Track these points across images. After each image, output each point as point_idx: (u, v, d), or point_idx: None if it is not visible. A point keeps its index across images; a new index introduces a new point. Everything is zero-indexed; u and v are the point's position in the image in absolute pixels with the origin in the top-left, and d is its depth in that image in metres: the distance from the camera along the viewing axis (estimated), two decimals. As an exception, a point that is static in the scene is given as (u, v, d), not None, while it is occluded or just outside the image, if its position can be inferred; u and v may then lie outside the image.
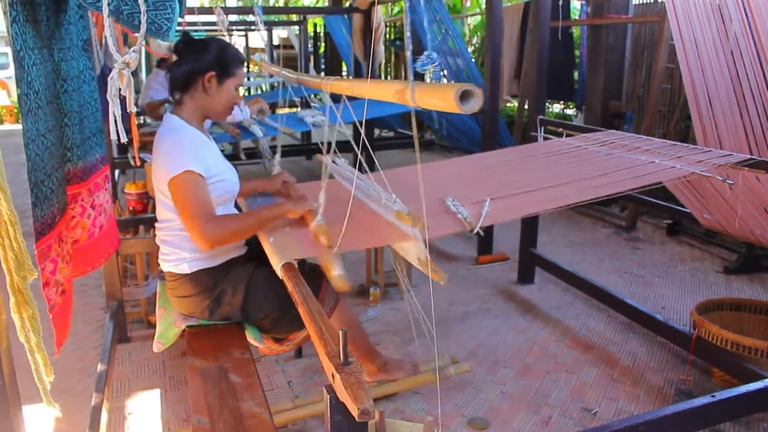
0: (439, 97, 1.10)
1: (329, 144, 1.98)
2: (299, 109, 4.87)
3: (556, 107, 8.59)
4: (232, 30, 10.47)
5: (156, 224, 2.25)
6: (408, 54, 1.17)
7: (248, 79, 8.37)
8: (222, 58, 2.13)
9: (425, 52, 1.15)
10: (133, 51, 1.37)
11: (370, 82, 1.48)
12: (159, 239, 2.22)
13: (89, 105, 2.31)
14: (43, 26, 1.83)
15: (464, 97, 1.05)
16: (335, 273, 1.69)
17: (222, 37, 3.29)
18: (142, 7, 1.32)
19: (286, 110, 9.18)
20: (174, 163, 1.99)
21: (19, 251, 1.28)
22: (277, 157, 2.81)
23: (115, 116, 1.46)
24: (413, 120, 1.40)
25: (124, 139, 1.45)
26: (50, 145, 1.90)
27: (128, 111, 1.43)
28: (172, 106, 2.23)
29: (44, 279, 1.85)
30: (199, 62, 2.11)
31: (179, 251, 2.14)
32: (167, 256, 2.18)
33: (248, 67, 10.96)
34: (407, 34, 1.26)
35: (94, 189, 2.28)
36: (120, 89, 1.38)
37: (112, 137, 1.45)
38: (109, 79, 1.40)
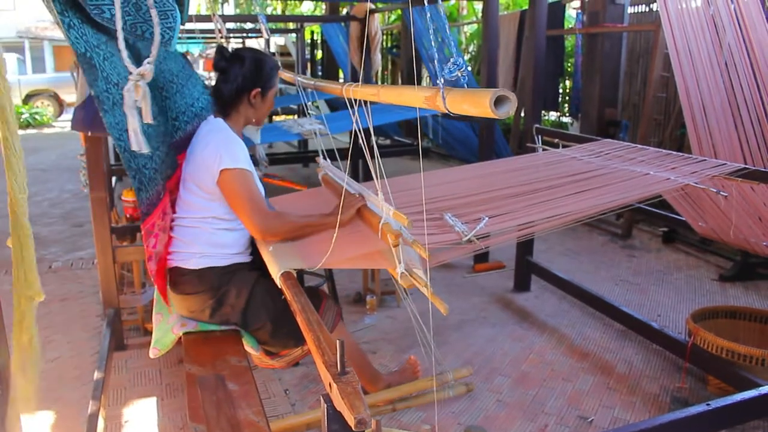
0: (472, 102, 1.08)
1: (368, 147, 1.92)
2: (296, 116, 4.90)
3: (552, 115, 8.62)
4: (230, 37, 10.49)
5: (175, 214, 2.23)
6: (436, 62, 1.15)
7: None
8: (264, 72, 2.20)
9: (451, 59, 1.14)
10: (148, 62, 1.37)
11: (397, 87, 1.47)
12: (174, 229, 2.22)
13: (182, 73, 2.35)
14: (98, 23, 1.85)
15: (498, 102, 1.03)
16: (398, 271, 1.67)
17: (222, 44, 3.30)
18: (155, 19, 1.33)
19: (282, 117, 9.23)
20: (233, 156, 2.07)
21: (30, 271, 1.26)
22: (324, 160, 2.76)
23: (134, 128, 1.48)
24: (419, 130, 1.37)
25: (145, 150, 1.46)
26: (147, 128, 1.93)
27: (145, 122, 1.44)
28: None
29: (148, 254, 2.04)
30: (246, 80, 2.18)
31: (192, 244, 2.16)
32: (177, 247, 2.18)
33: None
34: (432, 41, 1.25)
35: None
36: (136, 101, 1.39)
37: (134, 148, 1.47)
38: (125, 91, 1.41)
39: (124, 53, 1.29)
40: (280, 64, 2.78)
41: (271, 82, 2.24)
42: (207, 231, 2.15)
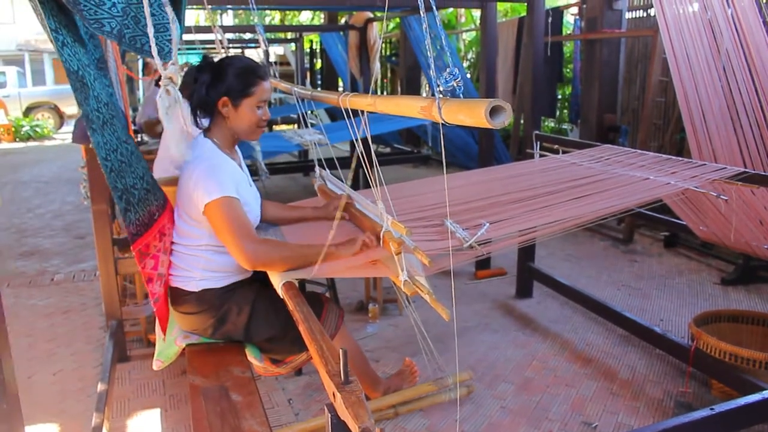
0: (467, 113, 1.06)
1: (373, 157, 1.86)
2: (296, 126, 4.93)
3: (552, 121, 8.64)
4: (230, 48, 10.52)
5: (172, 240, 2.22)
6: (431, 71, 1.15)
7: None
8: (229, 80, 2.05)
9: (448, 69, 1.13)
10: (172, 64, 1.41)
11: (393, 97, 1.47)
12: (171, 254, 2.21)
13: None
14: (88, 44, 1.86)
15: (494, 112, 1.02)
16: (402, 279, 1.65)
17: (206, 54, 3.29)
18: (150, 30, 1.35)
19: (284, 127, 9.25)
20: (213, 187, 1.96)
21: None
22: (327, 173, 2.67)
23: (173, 135, 1.53)
24: (441, 141, 1.36)
25: (188, 157, 1.49)
26: (135, 149, 1.91)
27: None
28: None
29: (146, 276, 1.97)
30: (211, 89, 2.05)
31: (190, 269, 2.14)
32: (176, 271, 2.18)
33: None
34: (429, 51, 1.25)
35: None
36: (168, 107, 1.43)
37: (173, 152, 1.51)
38: (157, 98, 1.43)
39: (111, 63, 1.31)
40: (274, 72, 2.73)
41: (242, 89, 2.05)
42: (203, 258, 2.11)
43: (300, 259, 1.93)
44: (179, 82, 1.63)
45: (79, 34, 1.83)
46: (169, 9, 1.72)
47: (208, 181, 1.98)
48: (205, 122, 2.15)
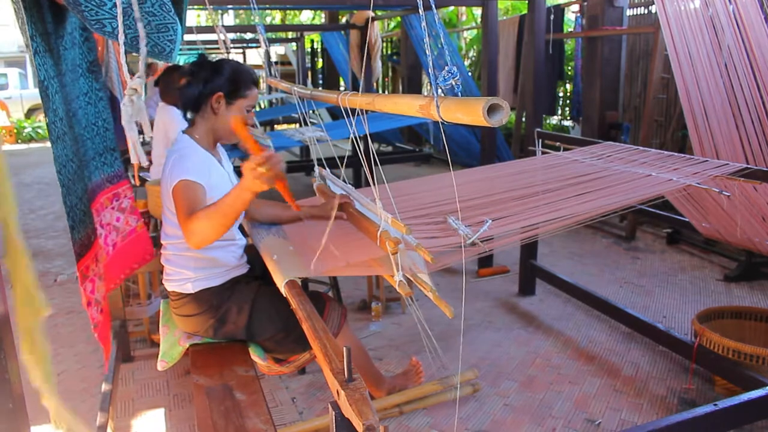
0: (465, 111, 1.07)
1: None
2: (297, 125, 4.94)
3: (554, 118, 8.63)
4: (230, 48, 10.53)
5: (161, 242, 2.26)
6: (431, 69, 1.15)
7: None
8: (232, 79, 2.09)
9: (446, 67, 1.13)
10: (138, 77, 1.41)
11: (392, 96, 1.47)
12: (163, 258, 2.23)
13: (94, 126, 2.34)
14: (55, 54, 1.87)
15: (491, 110, 1.03)
16: (397, 279, 1.65)
17: (222, 55, 3.30)
18: (141, 33, 1.36)
19: (284, 126, 9.26)
20: (176, 172, 1.96)
21: (32, 286, 1.21)
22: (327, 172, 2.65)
23: (134, 141, 1.51)
24: (443, 139, 1.36)
25: (144, 163, 1.49)
26: (77, 169, 1.94)
27: (147, 137, 1.51)
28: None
29: (86, 299, 1.98)
30: (209, 83, 2.07)
31: (183, 270, 2.15)
32: (171, 275, 2.19)
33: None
34: (428, 49, 1.25)
35: (100, 209, 2.32)
36: (131, 115, 1.44)
37: (134, 161, 1.51)
38: (122, 105, 1.45)
39: (113, 64, 1.33)
40: (275, 72, 2.73)
41: (241, 90, 2.10)
42: (192, 257, 2.12)
43: (218, 210, 1.74)
44: (143, 94, 1.68)
45: (51, 44, 1.84)
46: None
47: (174, 168, 1.99)
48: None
